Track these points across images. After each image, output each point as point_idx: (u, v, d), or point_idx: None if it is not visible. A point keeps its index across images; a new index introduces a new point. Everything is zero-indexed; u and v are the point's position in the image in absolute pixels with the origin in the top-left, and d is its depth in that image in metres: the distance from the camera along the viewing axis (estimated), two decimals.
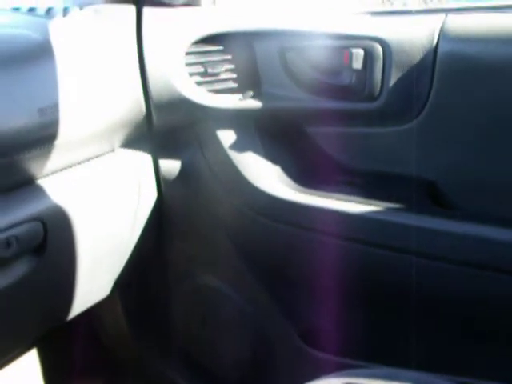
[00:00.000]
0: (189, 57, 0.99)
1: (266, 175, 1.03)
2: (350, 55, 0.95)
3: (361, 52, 0.95)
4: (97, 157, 0.97)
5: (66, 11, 0.96)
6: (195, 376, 1.24)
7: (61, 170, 0.91)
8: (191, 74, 0.99)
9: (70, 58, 0.88)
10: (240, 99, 1.02)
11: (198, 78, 1.00)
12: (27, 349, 1.29)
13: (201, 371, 1.23)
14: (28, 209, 0.85)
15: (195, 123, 1.04)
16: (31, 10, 0.99)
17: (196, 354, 1.23)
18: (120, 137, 0.99)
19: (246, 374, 1.18)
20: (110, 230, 1.00)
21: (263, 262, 1.09)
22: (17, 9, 1.00)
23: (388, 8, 1.58)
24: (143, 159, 1.04)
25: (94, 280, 1.02)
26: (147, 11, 0.99)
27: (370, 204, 0.97)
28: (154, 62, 0.97)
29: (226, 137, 1.04)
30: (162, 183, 1.07)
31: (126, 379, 1.33)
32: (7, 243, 0.82)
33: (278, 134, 1.06)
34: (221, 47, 1.01)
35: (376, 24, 0.97)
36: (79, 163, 0.94)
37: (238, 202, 1.05)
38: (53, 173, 0.90)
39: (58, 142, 0.85)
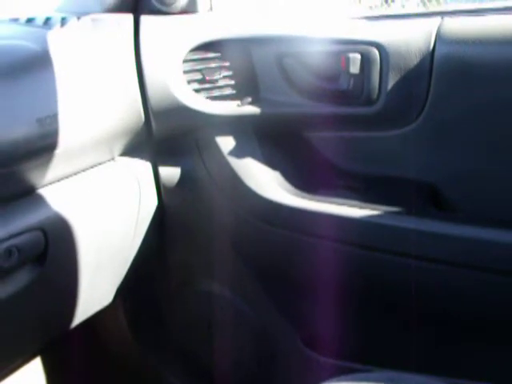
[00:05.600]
0: (186, 64, 0.99)
1: (265, 181, 1.03)
2: (347, 60, 0.95)
3: (358, 56, 0.95)
4: (97, 165, 0.98)
5: (64, 21, 0.96)
6: (198, 381, 1.24)
7: (61, 179, 0.92)
8: (189, 82, 1.00)
9: (69, 67, 0.89)
10: (238, 105, 1.02)
11: (196, 85, 1.01)
12: (31, 357, 1.29)
13: (204, 377, 1.23)
14: (29, 218, 0.85)
15: (194, 130, 1.05)
16: (29, 20, 0.99)
17: (199, 360, 1.23)
18: (119, 145, 0.99)
19: (249, 378, 1.18)
20: (111, 238, 1.00)
21: (264, 267, 1.09)
22: (15, 20, 1.01)
23: (386, 10, 1.58)
24: (143, 167, 1.04)
25: (95, 288, 1.02)
26: (144, 19, 0.99)
27: (370, 208, 0.97)
28: (152, 70, 0.97)
29: (225, 143, 1.04)
30: (162, 190, 1.07)
31: None
32: (8, 253, 0.82)
33: (277, 140, 1.06)
34: (218, 54, 1.01)
35: (372, 28, 0.97)
36: (79, 172, 0.95)
37: (237, 208, 1.05)
38: (53, 182, 0.90)
39: (58, 152, 0.86)
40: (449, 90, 0.92)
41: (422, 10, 1.53)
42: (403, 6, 1.70)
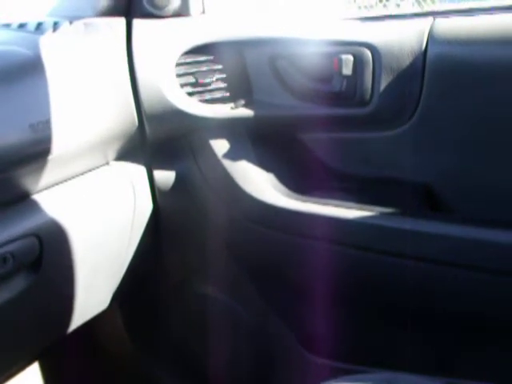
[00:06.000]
0: (179, 67, 0.99)
1: (260, 183, 1.03)
2: (340, 61, 0.95)
3: (350, 58, 0.95)
4: (91, 170, 0.98)
5: (56, 26, 0.96)
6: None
7: (56, 184, 0.92)
8: (182, 85, 1.00)
9: (61, 73, 0.89)
10: (232, 108, 1.02)
11: (189, 89, 1.01)
12: (29, 363, 1.29)
13: (202, 379, 1.23)
14: (23, 224, 0.85)
15: (188, 133, 1.05)
16: (21, 25, 0.99)
17: (197, 362, 1.23)
18: (114, 149, 0.99)
19: (246, 380, 1.18)
20: (107, 242, 1.00)
21: (260, 269, 1.09)
22: (7, 25, 1.00)
23: (379, 10, 1.58)
24: (138, 171, 1.04)
25: (92, 293, 1.02)
26: (137, 23, 0.99)
27: (365, 209, 0.97)
28: (145, 74, 0.97)
29: (220, 146, 1.04)
30: (157, 194, 1.07)
31: None
32: (3, 259, 0.82)
33: (271, 142, 1.06)
34: (211, 57, 1.01)
35: (364, 29, 0.97)
36: (74, 177, 0.95)
37: (232, 211, 1.05)
38: (48, 187, 0.90)
39: (52, 157, 0.85)
40: (441, 89, 0.92)
41: (415, 10, 1.53)
42: (398, 6, 1.70)
